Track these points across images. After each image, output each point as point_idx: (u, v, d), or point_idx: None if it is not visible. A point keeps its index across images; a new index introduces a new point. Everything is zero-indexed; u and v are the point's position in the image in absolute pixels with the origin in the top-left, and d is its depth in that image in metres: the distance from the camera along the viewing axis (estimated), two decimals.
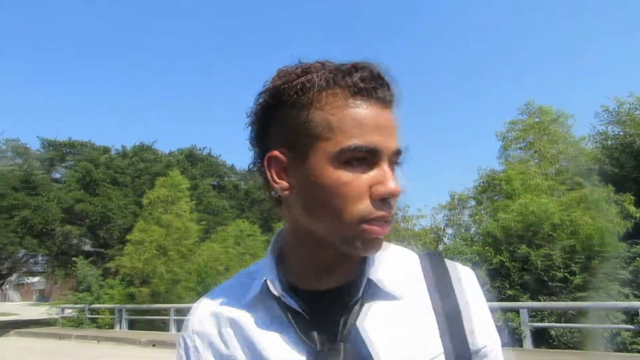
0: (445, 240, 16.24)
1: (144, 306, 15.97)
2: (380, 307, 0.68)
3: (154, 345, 12.20)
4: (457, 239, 13.98)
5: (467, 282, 0.72)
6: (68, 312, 18.68)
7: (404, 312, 0.68)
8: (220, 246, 17.99)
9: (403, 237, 14.87)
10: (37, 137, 38.92)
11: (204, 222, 18.91)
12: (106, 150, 25.61)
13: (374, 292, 0.68)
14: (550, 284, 9.76)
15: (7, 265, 28.60)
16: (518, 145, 15.16)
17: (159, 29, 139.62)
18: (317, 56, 0.69)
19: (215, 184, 27.65)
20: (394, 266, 0.73)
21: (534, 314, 9.43)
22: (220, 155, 30.17)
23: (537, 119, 14.75)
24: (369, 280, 0.68)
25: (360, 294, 0.67)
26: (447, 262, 0.74)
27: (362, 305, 0.67)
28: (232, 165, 31.32)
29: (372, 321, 0.66)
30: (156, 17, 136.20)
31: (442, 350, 0.65)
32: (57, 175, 25.68)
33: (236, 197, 27.75)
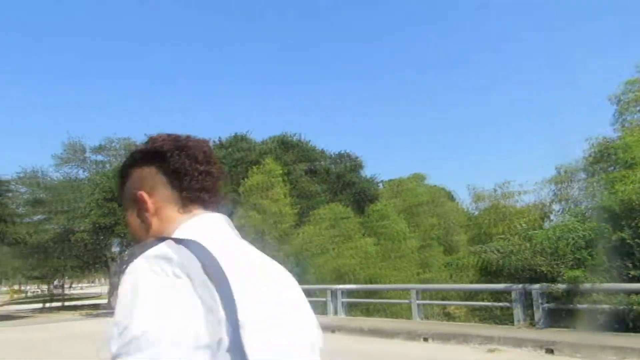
0: (552, 217, 15.09)
1: None
2: None
3: None
4: (567, 215, 12.89)
5: None
6: None
7: None
8: (314, 229, 18.36)
9: (504, 215, 14.04)
10: (145, 134, 42.12)
11: (298, 206, 19.39)
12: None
13: None
14: None
15: (128, 252, 31.75)
16: (638, 109, 13.51)
17: (249, 19, 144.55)
18: None
19: (308, 168, 28.18)
20: None
21: None
22: (310, 140, 30.64)
23: None
24: None
25: None
26: None
27: None
28: (323, 150, 31.70)
29: None
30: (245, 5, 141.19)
31: None
32: None
33: (328, 180, 28.09)
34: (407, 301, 12.68)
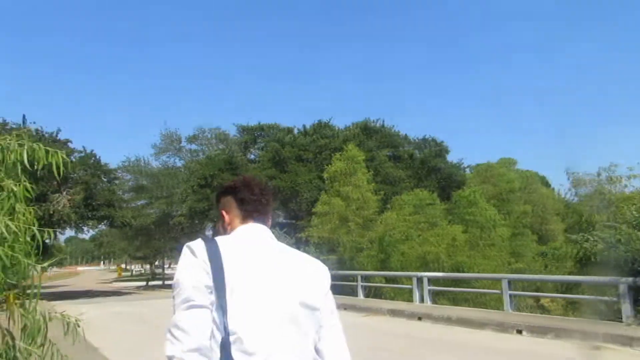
0: None
1: (333, 272, 17.07)
2: None
3: (345, 309, 12.98)
4: None
5: None
6: None
7: None
8: (398, 215, 18.11)
9: (610, 202, 12.84)
10: (233, 124, 43.99)
11: (382, 192, 19.22)
12: (290, 130, 27.80)
13: None
14: None
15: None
16: None
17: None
18: None
19: (391, 154, 27.79)
20: None
21: None
22: (394, 125, 30.13)
23: None
24: None
25: None
26: None
27: None
28: (406, 135, 31.07)
29: None
30: None
31: None
32: (252, 156, 28.93)
33: (412, 166, 27.51)
34: (497, 291, 12.13)
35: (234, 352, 1.21)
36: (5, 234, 2.05)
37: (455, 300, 15.32)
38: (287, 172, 24.13)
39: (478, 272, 15.89)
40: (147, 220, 28.73)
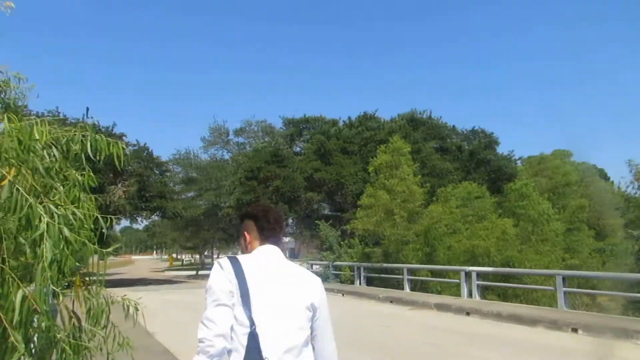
0: None
1: (378, 265, 17.01)
2: None
3: (391, 302, 12.93)
4: None
5: None
6: (315, 267, 21.27)
7: None
8: (444, 207, 17.74)
9: None
10: (279, 116, 44.52)
11: (428, 185, 18.90)
12: (335, 122, 27.81)
13: None
14: None
15: None
16: None
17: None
18: None
19: (438, 146, 27.25)
20: None
21: None
22: (441, 117, 29.49)
23: None
24: None
25: None
26: None
27: None
28: (454, 126, 30.33)
29: None
30: None
31: None
32: (297, 149, 29.16)
33: (460, 158, 26.86)
34: (550, 288, 11.69)
35: (260, 337, 1.72)
36: (72, 220, 2.17)
37: (505, 296, 14.90)
38: (332, 165, 24.17)
39: (530, 268, 15.37)
40: (196, 212, 29.63)
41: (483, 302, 11.95)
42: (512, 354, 6.62)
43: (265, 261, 1.93)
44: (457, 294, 13.42)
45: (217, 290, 1.76)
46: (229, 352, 1.73)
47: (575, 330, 8.10)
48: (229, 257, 1.88)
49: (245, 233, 2.04)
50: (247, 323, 1.72)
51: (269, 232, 2.02)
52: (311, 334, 1.92)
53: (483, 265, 14.88)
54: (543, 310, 10.27)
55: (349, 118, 27.93)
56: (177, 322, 10.11)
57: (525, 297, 15.04)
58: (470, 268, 12.97)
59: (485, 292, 13.58)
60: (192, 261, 67.65)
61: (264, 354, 1.71)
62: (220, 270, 1.82)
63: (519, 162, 30.64)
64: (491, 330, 8.66)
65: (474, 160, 26.76)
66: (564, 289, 10.35)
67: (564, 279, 10.51)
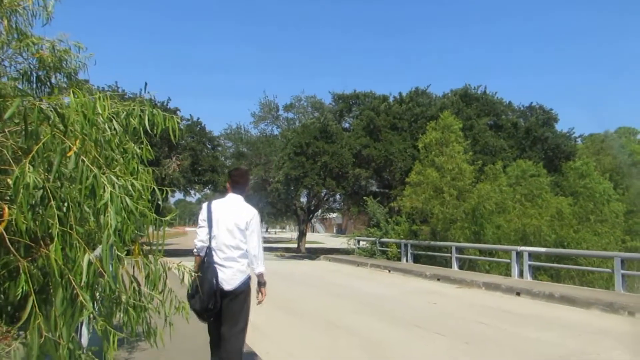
0: None
1: (426, 243, 16.86)
2: None
3: (438, 280, 12.84)
4: None
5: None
6: (362, 243, 21.38)
7: None
8: (492, 185, 17.21)
9: None
10: (329, 92, 44.19)
11: (479, 162, 18.34)
12: (385, 98, 27.32)
13: None
14: None
15: (314, 202, 34.52)
16: None
17: None
18: None
19: (492, 123, 26.27)
20: None
21: None
22: (496, 92, 28.29)
23: None
24: None
25: None
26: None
27: None
28: (510, 102, 29.07)
29: None
30: None
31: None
32: (346, 125, 29.00)
33: (515, 135, 25.80)
34: (608, 270, 11.20)
35: (212, 242, 3.63)
36: (131, 191, 2.30)
37: (557, 277, 14.44)
38: (381, 141, 23.89)
39: (585, 249, 14.75)
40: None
41: (534, 282, 11.64)
42: (565, 336, 6.45)
43: (227, 202, 3.80)
44: (507, 273, 13.12)
45: (200, 219, 3.76)
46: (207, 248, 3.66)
47: (632, 313, 7.77)
48: (207, 202, 3.85)
49: (227, 185, 3.93)
50: (209, 238, 3.65)
51: (235, 184, 3.87)
52: (245, 240, 3.69)
53: (534, 245, 14.43)
54: (598, 292, 9.88)
55: (400, 94, 27.35)
56: None
57: (580, 278, 14.51)
58: (522, 248, 12.61)
59: (536, 272, 13.20)
60: None
61: (214, 259, 3.61)
62: (202, 209, 3.79)
63: (579, 140, 29.09)
64: (543, 311, 8.45)
65: (529, 138, 25.63)
66: (622, 271, 9.90)
67: (622, 261, 10.04)
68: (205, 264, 3.54)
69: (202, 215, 3.68)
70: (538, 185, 17.99)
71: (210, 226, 3.61)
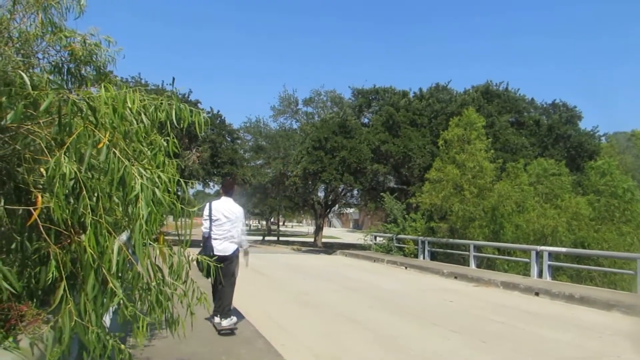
0: None
1: (444, 240, 16.75)
2: None
3: (455, 277, 12.77)
4: None
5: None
6: (379, 239, 21.34)
7: None
8: (512, 184, 16.96)
9: None
10: (349, 87, 44.03)
11: (500, 160, 18.11)
12: (405, 94, 27.15)
13: None
14: None
15: (331, 197, 34.56)
16: None
17: None
18: None
19: (514, 120, 25.90)
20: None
21: None
22: (518, 89, 27.86)
23: None
24: None
25: None
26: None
27: None
28: (532, 99, 28.62)
29: None
30: None
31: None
32: (365, 120, 28.92)
33: (537, 133, 25.40)
34: (631, 272, 11.00)
35: (212, 232, 5.94)
36: (158, 182, 2.36)
37: (577, 278, 14.22)
38: (400, 137, 23.77)
39: (607, 249, 14.48)
40: (264, 179, 30.51)
41: (553, 282, 11.50)
42: (584, 337, 6.38)
43: (222, 202, 6.03)
44: (525, 273, 12.98)
45: (204, 214, 5.93)
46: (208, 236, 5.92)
47: None
48: (210, 202, 6.01)
49: (221, 190, 6.47)
50: (209, 231, 5.89)
51: (226, 190, 6.24)
52: (234, 226, 5.96)
53: (553, 245, 14.22)
54: (619, 294, 9.71)
55: (420, 89, 27.14)
56: (244, 284, 10.64)
57: (601, 280, 14.27)
58: (543, 247, 12.45)
59: (555, 272, 13.03)
60: (259, 227, 70.13)
61: (215, 237, 5.90)
62: (206, 207, 5.93)
63: (603, 138, 28.49)
64: (562, 311, 8.36)
65: (552, 136, 25.21)
66: None
67: None
68: (208, 240, 5.88)
69: (206, 212, 5.93)
70: (559, 185, 17.70)
71: (211, 218, 5.90)
